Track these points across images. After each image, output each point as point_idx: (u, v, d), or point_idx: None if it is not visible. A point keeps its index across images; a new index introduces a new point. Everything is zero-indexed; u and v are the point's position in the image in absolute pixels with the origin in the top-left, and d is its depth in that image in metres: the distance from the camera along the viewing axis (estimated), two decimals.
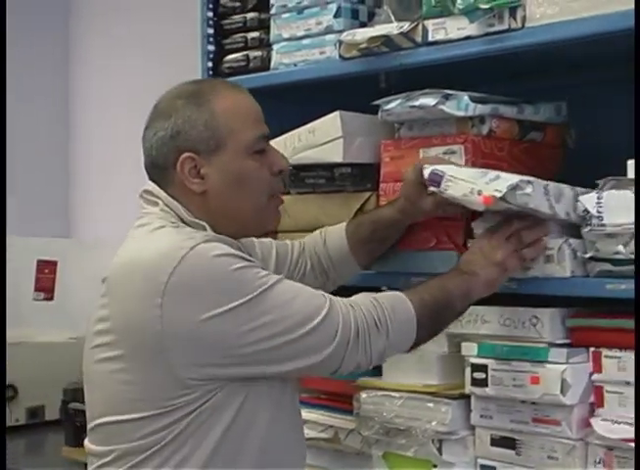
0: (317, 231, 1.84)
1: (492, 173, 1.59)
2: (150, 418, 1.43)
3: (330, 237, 1.82)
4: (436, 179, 1.63)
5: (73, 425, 2.56)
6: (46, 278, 3.25)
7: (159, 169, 1.55)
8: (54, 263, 3.27)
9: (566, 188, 1.62)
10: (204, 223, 1.52)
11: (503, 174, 1.58)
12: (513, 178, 1.55)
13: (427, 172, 1.66)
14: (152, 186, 1.56)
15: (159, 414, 1.43)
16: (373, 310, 1.48)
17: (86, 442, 1.54)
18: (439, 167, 1.65)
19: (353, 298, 1.51)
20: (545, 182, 1.58)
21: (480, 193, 1.56)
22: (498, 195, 1.53)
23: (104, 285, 1.51)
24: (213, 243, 1.45)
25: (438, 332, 1.61)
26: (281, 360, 1.44)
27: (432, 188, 1.64)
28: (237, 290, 1.41)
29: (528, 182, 1.55)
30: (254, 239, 1.76)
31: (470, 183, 1.58)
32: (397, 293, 1.54)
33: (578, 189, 1.64)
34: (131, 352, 1.44)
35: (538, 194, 1.56)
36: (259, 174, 1.56)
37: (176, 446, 1.43)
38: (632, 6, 1.53)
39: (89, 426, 1.53)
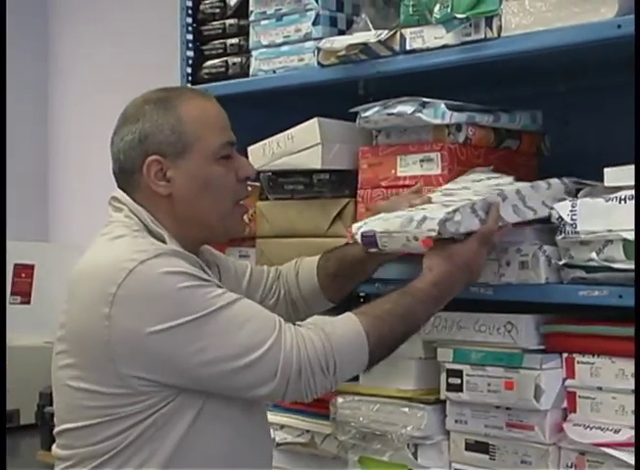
0: (294, 260, 1.82)
1: (417, 215, 1.57)
2: (105, 424, 1.44)
3: (302, 268, 1.80)
4: (371, 241, 1.62)
5: (49, 429, 2.54)
6: (23, 282, 3.25)
7: (126, 174, 1.56)
8: (31, 267, 3.27)
9: (511, 192, 1.61)
10: (164, 232, 1.52)
11: (427, 212, 1.57)
12: (438, 213, 1.54)
13: (359, 238, 1.64)
14: (119, 193, 1.57)
15: (113, 420, 1.44)
16: (321, 352, 1.43)
17: (54, 447, 1.56)
18: (367, 228, 1.63)
19: (305, 329, 1.46)
20: (470, 202, 1.57)
21: (416, 239, 1.56)
22: (434, 234, 1.53)
23: (67, 291, 1.53)
24: (166, 258, 1.44)
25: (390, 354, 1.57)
26: (222, 387, 1.45)
27: (372, 250, 1.63)
28: (182, 308, 1.41)
29: (455, 211, 1.55)
30: (230, 257, 1.80)
31: (403, 233, 1.57)
32: (355, 324, 1.48)
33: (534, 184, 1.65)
34: (84, 360, 1.47)
35: (467, 217, 1.56)
36: (225, 180, 1.56)
37: (134, 451, 1.44)
38: (604, 17, 1.55)
39: (55, 431, 1.55)
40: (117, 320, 1.41)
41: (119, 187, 1.58)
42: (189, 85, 2.27)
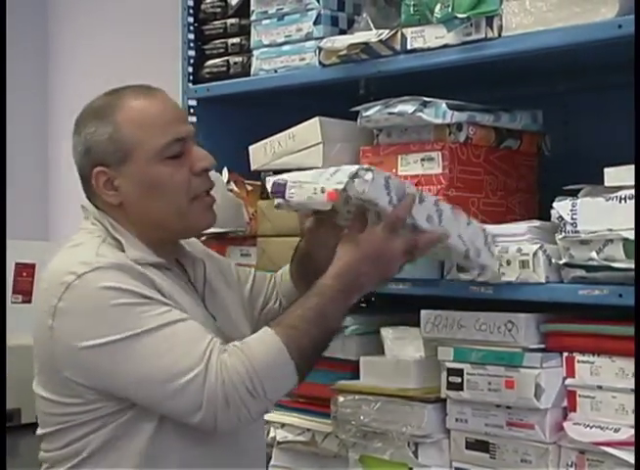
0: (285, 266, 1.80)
1: (332, 169, 1.51)
2: (63, 431, 1.47)
3: (284, 271, 1.80)
4: (280, 190, 1.55)
5: None
6: (24, 281, 3.25)
7: (84, 183, 1.57)
8: (32, 266, 3.27)
9: (428, 196, 1.55)
10: (123, 238, 1.51)
11: (343, 167, 1.50)
12: (352, 167, 1.48)
13: (269, 184, 1.58)
14: (85, 201, 1.58)
15: (70, 427, 1.46)
16: (245, 377, 1.39)
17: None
18: (283, 176, 1.57)
19: (228, 356, 1.41)
20: (387, 174, 1.50)
21: (323, 191, 1.49)
22: (340, 187, 1.46)
23: None
24: (104, 271, 1.43)
25: (317, 361, 1.52)
26: (160, 410, 1.44)
27: (277, 200, 1.56)
28: (114, 326, 1.40)
29: (368, 170, 1.47)
30: (232, 263, 1.80)
31: (312, 184, 1.51)
32: (274, 339, 1.42)
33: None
34: (40, 368, 1.51)
35: (378, 185, 1.46)
36: (174, 179, 1.52)
37: (102, 457, 1.46)
38: (605, 17, 1.56)
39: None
40: (58, 333, 1.43)
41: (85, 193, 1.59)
42: (190, 85, 2.28)
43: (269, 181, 1.59)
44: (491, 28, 1.70)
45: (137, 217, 1.53)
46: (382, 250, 1.48)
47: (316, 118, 1.94)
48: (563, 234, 1.60)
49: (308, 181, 1.52)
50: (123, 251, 1.49)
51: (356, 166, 1.48)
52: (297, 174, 1.56)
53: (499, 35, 1.70)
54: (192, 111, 2.28)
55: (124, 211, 1.53)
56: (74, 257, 1.48)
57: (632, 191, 1.53)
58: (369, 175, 1.46)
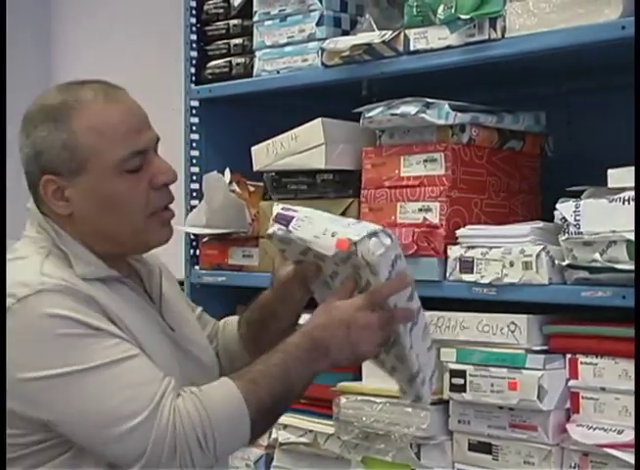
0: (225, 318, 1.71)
1: (352, 220, 1.44)
2: (24, 457, 1.34)
3: (228, 321, 1.68)
4: (286, 218, 1.43)
5: None
6: None
7: (30, 187, 1.44)
8: None
9: (418, 300, 1.44)
10: (69, 252, 1.38)
11: (364, 222, 1.43)
12: (374, 226, 1.39)
13: (276, 210, 1.46)
14: (31, 205, 1.45)
15: (30, 453, 1.33)
16: (199, 428, 1.28)
17: None
18: (293, 207, 1.46)
19: (182, 401, 1.29)
20: (399, 253, 1.40)
21: (334, 235, 1.38)
22: (355, 238, 1.35)
23: None
24: (49, 295, 1.30)
25: (274, 423, 1.46)
26: (96, 452, 1.32)
27: (273, 229, 1.44)
28: (56, 359, 1.28)
29: (389, 236, 1.38)
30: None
31: (324, 224, 1.41)
32: (234, 393, 1.31)
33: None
34: None
35: (388, 256, 1.37)
36: (132, 194, 1.39)
37: None
38: (608, 18, 1.56)
39: None
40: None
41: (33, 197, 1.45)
42: (192, 86, 2.28)
43: (277, 206, 1.47)
44: (494, 30, 1.70)
45: (87, 230, 1.40)
46: (357, 319, 1.36)
47: (319, 119, 1.94)
48: (566, 235, 1.60)
49: (321, 221, 1.42)
50: (70, 265, 1.37)
51: (379, 227, 1.39)
52: (310, 211, 1.46)
53: (502, 36, 1.69)
54: (194, 111, 2.28)
55: (73, 223, 1.40)
56: (16, 274, 1.34)
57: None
58: (387, 241, 1.37)
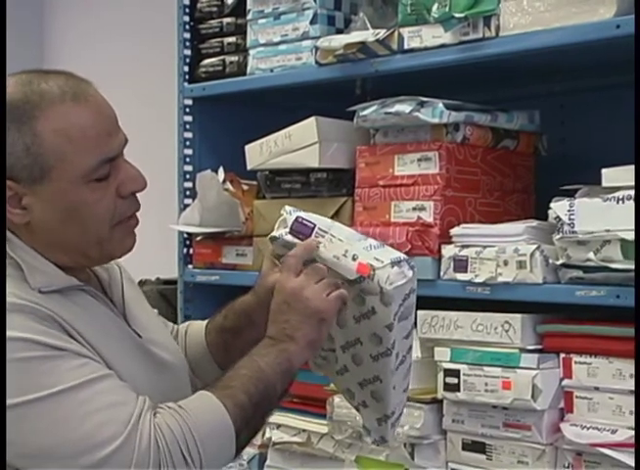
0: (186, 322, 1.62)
1: (374, 241, 1.33)
2: None
3: (192, 325, 1.58)
4: (304, 232, 1.33)
5: None
6: None
7: None
8: None
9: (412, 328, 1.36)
10: (20, 262, 1.25)
11: (387, 246, 1.33)
12: (398, 253, 1.31)
13: (290, 220, 1.34)
14: None
15: None
16: (182, 443, 1.19)
17: None
18: (309, 216, 1.35)
19: (162, 417, 1.20)
20: (414, 287, 1.32)
21: (355, 258, 1.29)
22: (377, 265, 1.27)
23: None
24: (7, 316, 1.17)
25: (261, 428, 1.34)
26: None
27: (279, 233, 1.34)
28: (18, 386, 1.15)
29: (412, 267, 1.30)
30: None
31: (345, 244, 1.31)
32: (214, 403, 1.23)
33: None
34: None
35: (404, 289, 1.29)
36: (99, 204, 1.26)
37: None
38: (603, 17, 1.55)
39: None
40: None
41: None
42: (186, 84, 2.27)
43: (291, 214, 1.35)
44: (489, 28, 1.69)
45: (45, 240, 1.27)
46: (287, 289, 1.29)
47: (312, 118, 1.94)
48: (560, 234, 1.60)
49: (341, 239, 1.32)
50: (24, 276, 1.24)
51: (404, 256, 1.31)
52: (328, 222, 1.35)
53: (497, 35, 1.69)
54: (187, 110, 2.27)
55: (30, 232, 1.27)
56: None
57: (630, 192, 1.52)
58: (410, 273, 1.29)
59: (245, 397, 1.24)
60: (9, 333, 1.16)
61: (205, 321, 1.55)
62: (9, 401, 1.14)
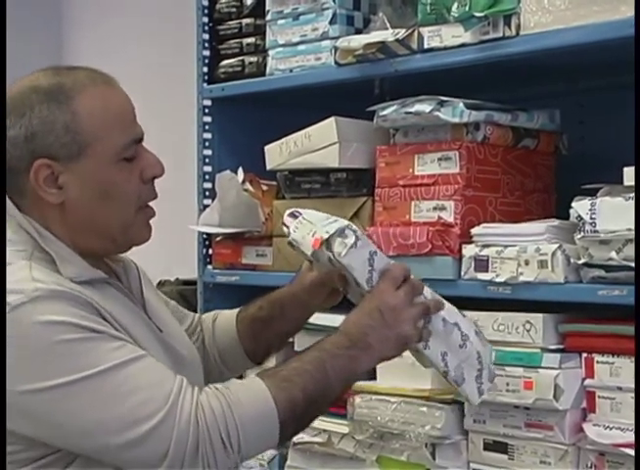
0: (214, 311, 1.65)
1: (334, 217, 1.40)
2: None
3: (222, 314, 1.61)
4: (292, 216, 1.44)
5: None
6: None
7: (11, 175, 1.32)
8: None
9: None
10: (54, 253, 1.29)
11: (341, 219, 1.40)
12: (343, 222, 1.37)
13: (287, 212, 1.46)
14: (7, 201, 1.34)
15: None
16: (222, 425, 1.21)
17: None
18: (301, 210, 1.45)
19: (206, 397, 1.23)
20: (374, 249, 1.37)
21: (313, 234, 1.37)
22: (325, 236, 1.35)
23: None
24: (44, 302, 1.21)
25: (309, 425, 1.37)
26: (112, 462, 1.24)
27: (284, 228, 1.45)
28: (58, 367, 1.20)
29: (354, 233, 1.35)
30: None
31: (312, 225, 1.39)
32: (262, 390, 1.25)
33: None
34: None
35: (359, 255, 1.34)
36: (127, 184, 1.33)
37: None
38: (624, 16, 1.55)
39: None
40: None
41: (7, 191, 1.34)
42: (205, 85, 2.27)
43: (290, 209, 1.47)
44: (509, 27, 1.69)
45: (77, 222, 1.32)
46: (385, 301, 1.33)
47: (332, 118, 1.94)
48: (582, 234, 1.59)
49: (311, 221, 1.41)
50: (56, 268, 1.28)
51: (346, 223, 1.37)
52: (310, 212, 1.44)
53: (517, 34, 1.68)
54: (207, 111, 2.28)
55: (63, 214, 1.32)
56: (6, 281, 1.24)
57: None
58: (351, 240, 1.34)
59: (301, 394, 1.26)
60: (51, 317, 1.20)
61: (236, 310, 1.58)
62: (52, 382, 1.19)
